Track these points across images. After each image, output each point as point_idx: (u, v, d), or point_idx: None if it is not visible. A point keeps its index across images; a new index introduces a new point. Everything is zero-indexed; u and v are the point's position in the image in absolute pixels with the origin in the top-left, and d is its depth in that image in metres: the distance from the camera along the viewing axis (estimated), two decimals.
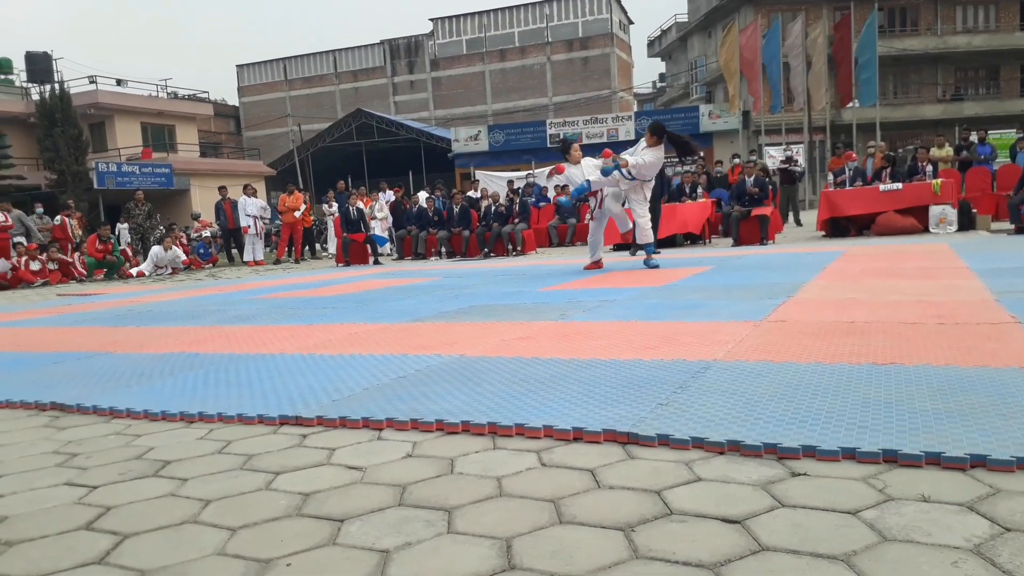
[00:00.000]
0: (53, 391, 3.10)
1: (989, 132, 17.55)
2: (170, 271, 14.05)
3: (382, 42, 43.95)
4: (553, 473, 1.81)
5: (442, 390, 2.63)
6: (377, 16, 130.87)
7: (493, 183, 19.91)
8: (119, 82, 30.37)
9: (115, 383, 3.19)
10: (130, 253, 14.94)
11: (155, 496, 1.84)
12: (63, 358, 4.02)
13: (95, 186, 23.39)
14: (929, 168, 11.25)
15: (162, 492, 1.86)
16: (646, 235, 7.27)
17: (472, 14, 42.53)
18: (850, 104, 21.55)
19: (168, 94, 34.01)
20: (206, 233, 18.93)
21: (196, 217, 21.53)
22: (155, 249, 14.23)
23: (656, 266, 7.14)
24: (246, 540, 1.54)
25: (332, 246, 16.19)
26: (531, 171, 21.96)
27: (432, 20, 43.12)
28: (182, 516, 1.69)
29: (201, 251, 16.42)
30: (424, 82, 43.14)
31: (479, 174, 23.28)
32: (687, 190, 12.50)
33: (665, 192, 10.23)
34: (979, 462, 1.66)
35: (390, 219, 16.28)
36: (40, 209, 16.07)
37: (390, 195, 17.43)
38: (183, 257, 14.43)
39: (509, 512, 1.59)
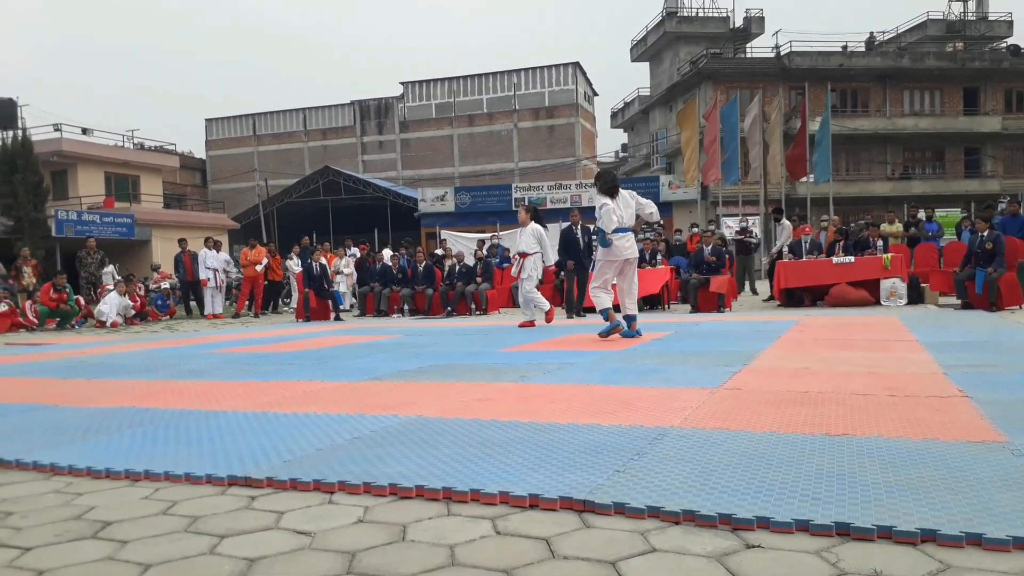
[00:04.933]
0: None
1: (936, 211, 18.25)
2: (123, 319, 13.65)
3: (352, 102, 44.46)
4: (508, 542, 1.78)
5: (397, 452, 2.59)
6: (348, 78, 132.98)
7: (459, 243, 20.06)
8: (84, 131, 30.10)
9: (59, 438, 3.08)
10: (83, 302, 14.54)
11: (92, 559, 1.76)
12: (5, 410, 3.87)
13: (53, 234, 22.94)
14: (880, 243, 11.64)
15: (100, 555, 1.79)
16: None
17: (442, 80, 43.40)
18: (804, 179, 22.31)
19: (135, 145, 33.77)
20: (165, 284, 18.57)
21: (156, 268, 21.16)
22: (113, 296, 13.83)
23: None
24: None
25: (294, 301, 16.01)
26: (496, 233, 22.16)
27: (403, 84, 43.84)
28: None
29: (159, 302, 16.08)
30: (393, 143, 43.60)
31: (446, 233, 23.42)
32: (647, 257, 12.72)
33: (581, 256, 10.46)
34: (929, 537, 1.67)
35: (355, 275, 16.22)
36: None
37: (355, 251, 17.43)
38: (132, 304, 13.99)
39: None
